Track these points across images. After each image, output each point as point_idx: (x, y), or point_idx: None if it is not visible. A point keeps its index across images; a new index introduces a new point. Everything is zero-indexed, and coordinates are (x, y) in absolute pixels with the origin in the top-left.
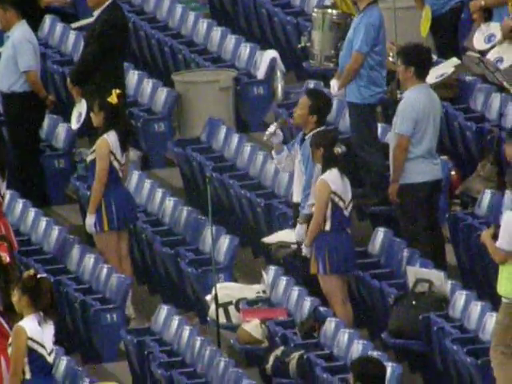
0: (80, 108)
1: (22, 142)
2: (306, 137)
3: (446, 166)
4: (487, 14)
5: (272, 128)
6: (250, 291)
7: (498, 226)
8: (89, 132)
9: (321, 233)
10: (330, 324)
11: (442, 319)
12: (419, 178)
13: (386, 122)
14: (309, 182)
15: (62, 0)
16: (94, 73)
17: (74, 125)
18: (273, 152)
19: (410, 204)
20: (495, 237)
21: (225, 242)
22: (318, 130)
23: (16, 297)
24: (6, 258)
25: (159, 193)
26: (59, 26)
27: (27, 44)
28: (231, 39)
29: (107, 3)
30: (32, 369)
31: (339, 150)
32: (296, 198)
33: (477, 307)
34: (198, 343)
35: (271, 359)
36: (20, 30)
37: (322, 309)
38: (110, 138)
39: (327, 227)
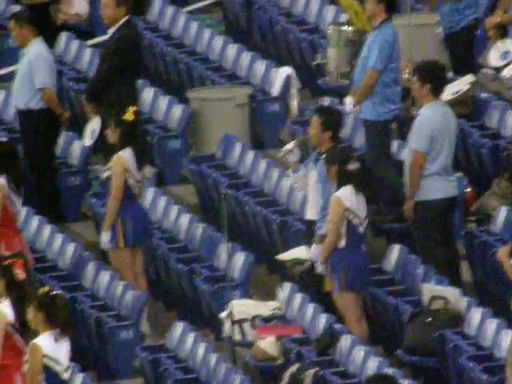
0: (94, 125)
1: (37, 158)
2: (322, 156)
3: (462, 182)
4: (503, 31)
5: (289, 146)
6: (265, 308)
7: None
8: (104, 149)
9: (335, 250)
10: (345, 341)
11: (458, 336)
12: (434, 194)
13: (402, 138)
14: (326, 202)
15: (78, 17)
16: (109, 90)
17: (88, 141)
18: (289, 171)
19: (425, 221)
20: None
21: (240, 258)
22: (332, 146)
23: (31, 314)
24: (22, 275)
25: (174, 209)
26: (75, 44)
27: (43, 61)
28: (246, 56)
29: (122, 21)
30: None
31: (353, 166)
32: (310, 215)
33: (492, 324)
34: (213, 360)
35: (286, 376)
36: (36, 47)
37: (337, 326)
38: (126, 155)
39: (342, 244)
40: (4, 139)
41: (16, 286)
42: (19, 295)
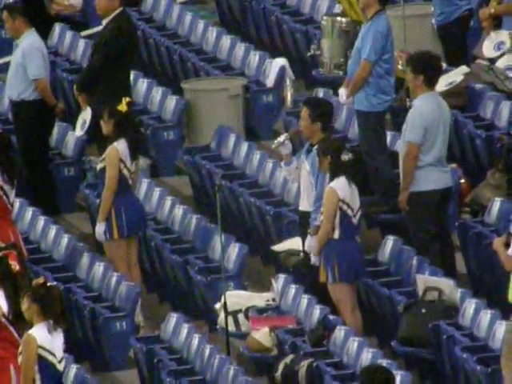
0: (85, 115)
1: (31, 149)
2: (314, 148)
3: (456, 173)
4: (496, 22)
5: (281, 138)
6: (260, 299)
7: (510, 234)
8: (98, 140)
9: (329, 241)
10: (339, 332)
11: (452, 327)
12: (429, 185)
13: (396, 129)
14: (320, 193)
15: (72, 8)
16: (101, 80)
17: (78, 132)
18: (282, 163)
19: (419, 212)
20: (507, 245)
21: (234, 249)
22: (324, 137)
23: (25, 305)
24: (16, 267)
25: (168, 201)
26: (69, 34)
27: (36, 52)
28: (240, 47)
29: (116, 12)
30: (42, 377)
31: (346, 157)
32: (303, 207)
33: (487, 315)
34: (207, 351)
35: (280, 367)
36: (29, 38)
37: (331, 317)
38: (120, 145)
39: (336, 235)
40: None
41: (10, 278)
42: (13, 286)
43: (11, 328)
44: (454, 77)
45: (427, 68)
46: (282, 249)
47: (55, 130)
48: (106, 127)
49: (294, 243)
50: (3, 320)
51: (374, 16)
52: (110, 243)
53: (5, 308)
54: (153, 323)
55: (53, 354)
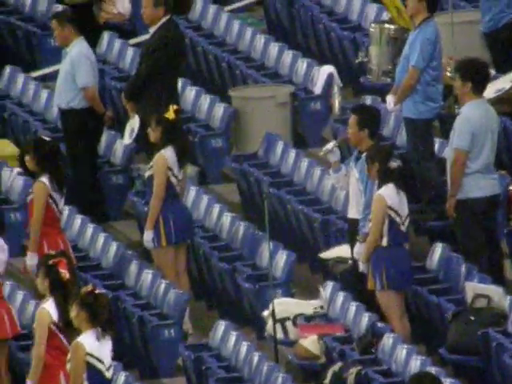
0: (133, 123)
1: (80, 158)
2: (363, 155)
3: (504, 180)
4: None
5: (330, 145)
6: (308, 307)
7: None
8: (146, 148)
9: (378, 248)
10: (387, 340)
11: (501, 335)
12: (477, 193)
13: (444, 137)
14: (368, 200)
15: (121, 17)
16: (148, 88)
17: (127, 140)
18: (330, 170)
19: (467, 219)
20: None
21: (282, 257)
22: (372, 145)
23: (74, 312)
24: (66, 275)
25: (216, 208)
26: (117, 43)
27: (85, 60)
28: (288, 54)
29: (163, 20)
30: None
31: (394, 164)
32: (351, 214)
33: None
34: (255, 359)
35: (329, 375)
36: (78, 47)
37: (379, 324)
38: (168, 153)
39: (384, 242)
40: (47, 139)
41: (60, 286)
42: (64, 295)
43: (61, 336)
44: (502, 83)
45: (475, 75)
46: (330, 256)
47: (104, 138)
48: (153, 135)
49: (341, 250)
50: (53, 328)
51: (422, 23)
52: (158, 250)
53: (55, 316)
54: (201, 331)
55: (101, 362)
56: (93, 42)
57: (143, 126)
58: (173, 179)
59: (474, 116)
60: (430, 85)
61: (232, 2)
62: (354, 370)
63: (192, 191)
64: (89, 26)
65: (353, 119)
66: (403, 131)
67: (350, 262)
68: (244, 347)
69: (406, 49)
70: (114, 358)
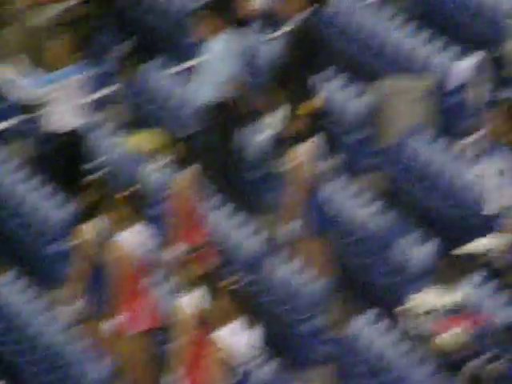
0: (271, 117)
1: (221, 151)
2: (503, 147)
3: None
4: None
5: (471, 138)
6: (449, 299)
7: None
8: (287, 140)
9: None
10: None
11: None
12: None
13: None
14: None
15: (259, 11)
16: (289, 82)
17: (266, 133)
18: (472, 163)
19: None
20: None
21: (423, 249)
22: None
23: (215, 306)
24: (208, 267)
25: (358, 200)
26: (256, 37)
27: (228, 53)
28: (431, 45)
29: (304, 12)
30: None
31: None
32: (495, 206)
33: None
34: (397, 352)
35: (472, 367)
36: (219, 41)
37: None
38: (307, 146)
39: None
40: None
41: (203, 278)
42: (207, 287)
43: (202, 329)
44: None
45: None
46: (473, 249)
47: (242, 132)
48: (293, 128)
49: (486, 242)
50: (194, 321)
51: None
52: (300, 243)
53: (195, 309)
54: (343, 323)
55: (242, 354)
56: (232, 36)
57: (283, 119)
58: (313, 172)
59: None
60: None
61: None
62: (497, 363)
63: (333, 183)
64: (230, 20)
65: (498, 111)
66: None
67: (494, 253)
68: (386, 340)
69: None
70: (258, 349)
